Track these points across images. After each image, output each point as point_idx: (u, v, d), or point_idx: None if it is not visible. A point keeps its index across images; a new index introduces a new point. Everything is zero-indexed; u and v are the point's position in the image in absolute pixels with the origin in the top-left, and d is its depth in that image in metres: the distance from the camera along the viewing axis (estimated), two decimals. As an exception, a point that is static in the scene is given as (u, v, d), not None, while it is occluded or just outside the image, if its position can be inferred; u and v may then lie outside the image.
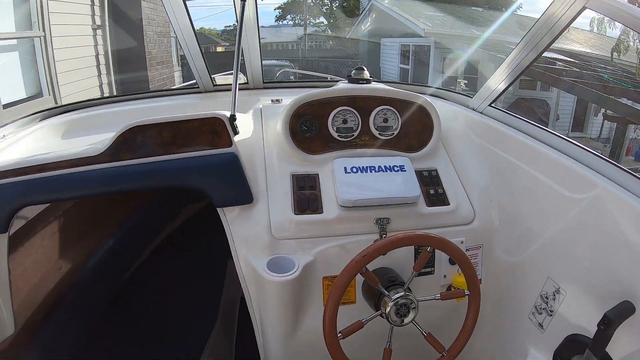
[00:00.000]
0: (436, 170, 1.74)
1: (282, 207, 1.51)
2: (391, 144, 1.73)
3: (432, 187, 1.69)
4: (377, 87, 1.73)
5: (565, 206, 1.42)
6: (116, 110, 2.08)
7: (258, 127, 1.77)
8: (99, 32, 6.93)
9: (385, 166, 1.63)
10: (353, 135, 1.69)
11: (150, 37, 8.96)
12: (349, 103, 1.69)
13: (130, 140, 1.41)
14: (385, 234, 1.57)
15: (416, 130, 1.75)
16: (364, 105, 1.70)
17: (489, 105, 1.79)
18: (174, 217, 2.73)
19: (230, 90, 2.24)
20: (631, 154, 9.99)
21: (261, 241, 1.48)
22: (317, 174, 1.62)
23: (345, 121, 1.69)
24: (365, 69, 1.78)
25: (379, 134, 1.71)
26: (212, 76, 2.26)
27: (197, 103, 2.22)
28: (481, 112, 1.85)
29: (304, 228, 1.50)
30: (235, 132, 1.54)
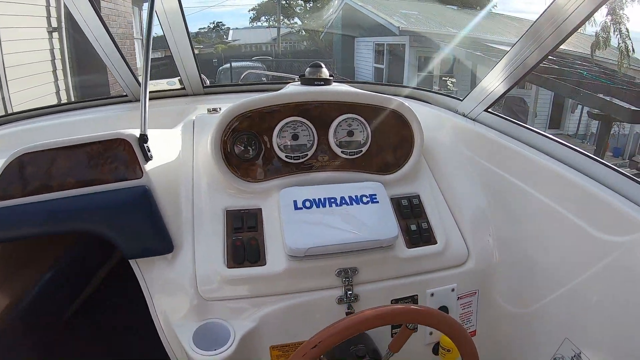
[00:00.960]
0: (418, 197, 1.34)
1: (211, 256, 1.14)
2: (358, 164, 1.32)
3: (413, 220, 1.29)
4: (338, 89, 1.32)
5: (594, 249, 1.05)
6: (31, 127, 1.71)
7: (188, 145, 1.37)
8: (54, 34, 6.48)
9: (350, 197, 1.22)
10: (307, 154, 1.28)
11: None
12: (300, 112, 1.28)
13: (20, 172, 1.10)
14: (352, 289, 1.18)
15: (391, 145, 1.34)
16: (320, 114, 1.29)
17: (485, 110, 1.38)
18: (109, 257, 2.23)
19: (166, 97, 1.85)
20: (610, 150, 9.93)
21: (185, 303, 1.12)
22: (260, 209, 1.23)
23: (295, 136, 1.27)
24: (322, 65, 1.36)
25: (342, 151, 1.30)
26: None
27: (124, 115, 1.83)
28: (474, 119, 1.44)
29: (242, 286, 1.13)
30: (147, 157, 1.13)
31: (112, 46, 1.60)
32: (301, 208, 1.17)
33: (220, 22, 17.54)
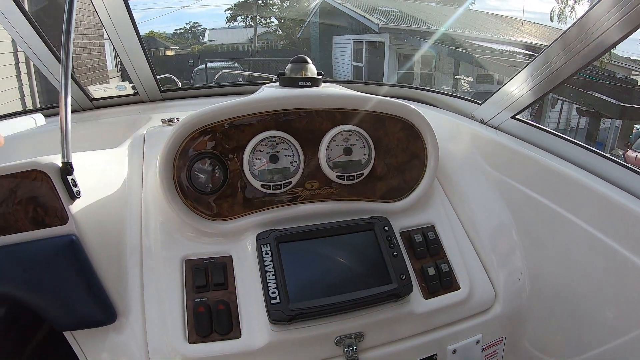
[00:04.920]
0: (433, 228, 1.06)
1: (167, 327, 0.84)
2: (358, 191, 1.03)
3: (430, 260, 1.01)
4: (331, 92, 1.01)
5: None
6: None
7: (135, 170, 1.05)
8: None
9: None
10: (290, 182, 0.97)
11: (79, 41, 8.06)
12: (280, 124, 0.96)
13: None
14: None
15: (399, 164, 1.05)
16: (308, 126, 0.99)
17: (512, 117, 1.10)
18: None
19: (118, 104, 1.56)
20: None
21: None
22: (230, 258, 0.93)
23: (274, 157, 0.96)
24: (308, 60, 1.05)
25: (338, 175, 0.99)
26: (87, 88, 1.52)
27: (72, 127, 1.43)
28: (496, 127, 1.16)
29: None
30: (73, 195, 0.81)
31: (42, 46, 1.27)
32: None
33: (197, 23, 17.29)
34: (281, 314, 0.81)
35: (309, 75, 1.03)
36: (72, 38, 0.85)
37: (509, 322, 1.05)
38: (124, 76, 10.27)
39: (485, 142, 1.16)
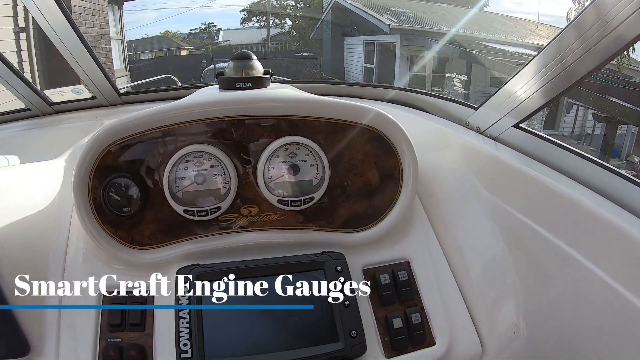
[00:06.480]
0: (408, 266, 0.84)
1: None
2: (309, 218, 0.82)
3: (398, 307, 0.80)
4: (274, 95, 0.80)
5: None
6: None
7: (68, 184, 0.89)
8: (22, 35, 5.96)
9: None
10: (219, 207, 0.75)
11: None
12: (211, 136, 0.77)
13: None
14: None
15: (365, 185, 0.84)
16: (244, 138, 0.78)
17: (514, 126, 0.87)
18: None
19: (79, 108, 1.42)
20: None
21: None
22: (151, 293, 0.77)
23: (202, 177, 0.75)
24: (252, 56, 0.85)
25: (280, 200, 0.78)
26: (44, 92, 1.39)
27: (30, 134, 1.35)
28: (495, 138, 0.93)
29: None
30: None
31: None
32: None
33: (212, 23, 17.33)
34: None
35: (253, 73, 0.82)
36: None
37: None
38: (133, 76, 10.27)
39: (480, 158, 0.92)
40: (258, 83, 0.82)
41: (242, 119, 0.76)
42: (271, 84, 0.88)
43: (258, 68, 0.84)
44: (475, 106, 0.97)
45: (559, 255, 0.73)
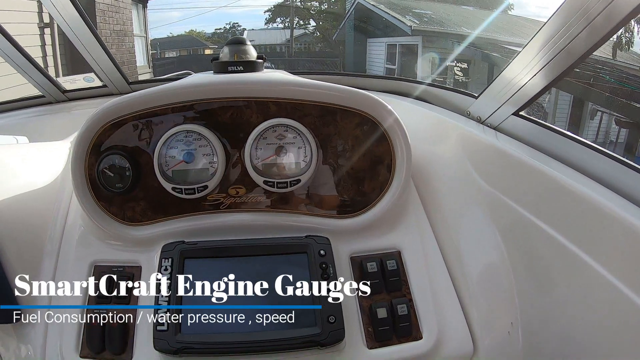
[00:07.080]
0: (398, 256, 0.82)
1: (65, 336, 0.76)
2: (296, 201, 0.82)
3: (384, 297, 0.78)
4: (264, 78, 0.81)
5: None
6: None
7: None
8: (46, 30, 6.07)
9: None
10: (205, 186, 0.75)
11: (107, 36, 8.22)
12: (200, 117, 0.79)
13: None
14: None
15: (355, 171, 0.82)
16: (233, 119, 0.79)
17: (514, 114, 0.84)
18: None
19: (90, 96, 1.49)
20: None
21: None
22: (139, 268, 0.80)
23: (191, 156, 0.76)
24: (245, 41, 0.87)
25: (266, 181, 0.77)
26: (57, 79, 1.47)
27: (43, 120, 1.42)
28: (495, 128, 0.90)
29: None
30: None
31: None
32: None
33: (237, 24, 17.57)
34: (165, 343, 0.68)
35: (246, 57, 0.82)
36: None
37: None
38: (156, 72, 10.47)
39: (480, 148, 0.89)
40: (250, 67, 0.84)
41: (231, 99, 0.77)
42: (265, 69, 0.87)
43: (251, 53, 0.86)
44: (476, 95, 0.94)
45: (562, 253, 0.69)
